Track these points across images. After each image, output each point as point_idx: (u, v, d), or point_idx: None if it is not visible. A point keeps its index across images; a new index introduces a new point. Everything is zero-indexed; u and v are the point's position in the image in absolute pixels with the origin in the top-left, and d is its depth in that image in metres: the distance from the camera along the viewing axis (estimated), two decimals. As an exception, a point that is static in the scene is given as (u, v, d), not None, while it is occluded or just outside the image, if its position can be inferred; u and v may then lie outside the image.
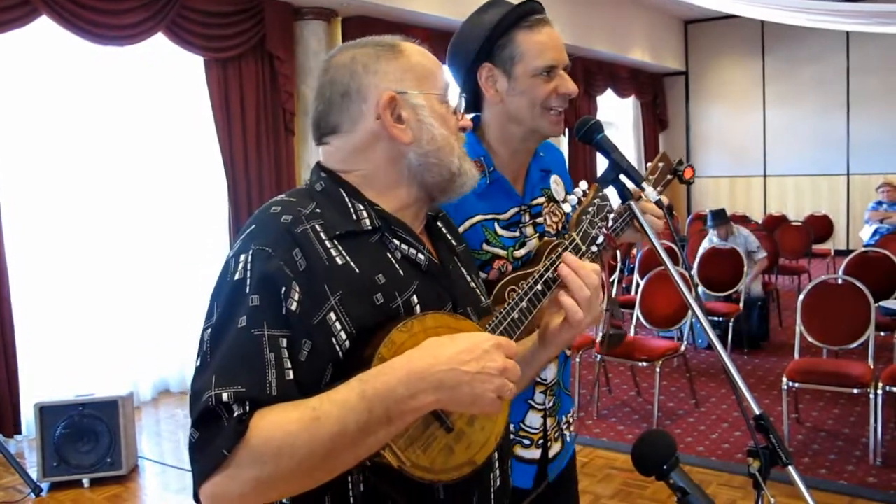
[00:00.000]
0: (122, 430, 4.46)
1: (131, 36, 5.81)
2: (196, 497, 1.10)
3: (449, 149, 1.31)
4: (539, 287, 1.35)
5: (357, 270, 1.21)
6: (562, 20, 9.76)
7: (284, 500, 1.23)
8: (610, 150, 1.49)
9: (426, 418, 1.16)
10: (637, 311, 5.67)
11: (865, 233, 9.72)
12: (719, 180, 13.52)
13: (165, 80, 6.35)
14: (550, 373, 1.95)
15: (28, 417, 5.09)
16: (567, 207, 1.40)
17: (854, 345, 4.75)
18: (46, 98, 5.61)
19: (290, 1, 6.99)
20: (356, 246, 1.24)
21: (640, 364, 5.34)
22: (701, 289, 6.94)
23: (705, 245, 7.40)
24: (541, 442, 1.94)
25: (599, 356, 5.33)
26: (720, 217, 7.27)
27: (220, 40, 6.42)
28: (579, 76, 11.12)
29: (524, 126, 1.82)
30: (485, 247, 1.82)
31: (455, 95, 1.39)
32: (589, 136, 1.53)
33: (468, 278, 1.44)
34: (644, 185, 1.46)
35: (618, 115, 12.80)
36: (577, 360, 5.35)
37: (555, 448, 1.98)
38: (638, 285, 6.04)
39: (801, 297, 4.94)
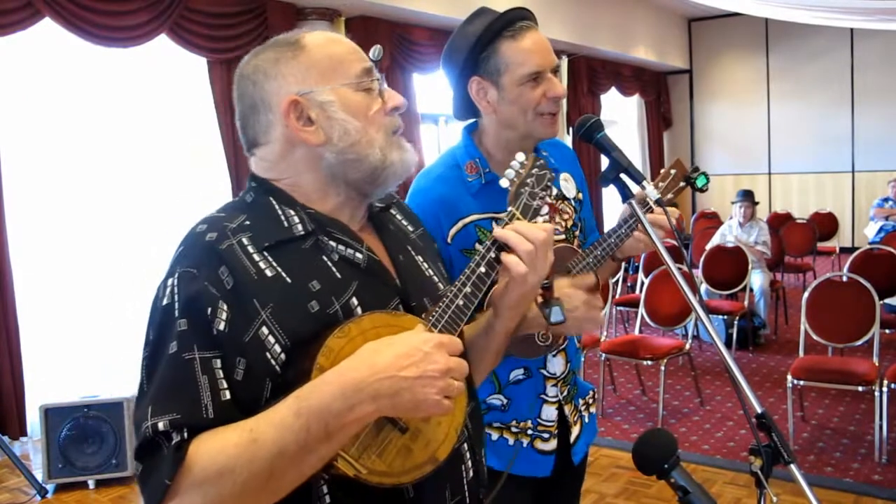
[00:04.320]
0: (127, 431, 4.46)
1: (134, 37, 5.81)
2: None
3: (367, 141, 1.25)
4: (482, 269, 1.25)
5: (289, 280, 1.17)
6: (565, 19, 9.76)
7: None
8: (610, 149, 1.49)
9: (378, 422, 1.12)
10: (642, 310, 5.66)
11: (870, 230, 9.71)
12: (724, 178, 13.49)
13: (169, 82, 6.36)
14: (559, 367, 1.96)
15: (33, 419, 5.10)
16: (504, 183, 1.35)
17: (859, 342, 4.74)
18: (50, 100, 5.62)
19: (294, 1, 6.99)
20: (288, 254, 1.20)
21: (644, 363, 5.33)
22: (705, 287, 6.94)
23: (724, 230, 7.58)
24: (558, 432, 1.95)
25: (604, 355, 5.33)
26: (750, 196, 7.51)
27: (223, 41, 6.42)
28: (583, 75, 11.11)
29: (519, 131, 1.86)
30: (477, 246, 1.83)
31: (380, 76, 1.31)
32: (589, 135, 1.53)
33: (423, 266, 1.38)
34: (644, 183, 1.45)
35: (622, 113, 12.79)
36: (582, 358, 5.34)
37: (574, 431, 2.00)
38: (642, 284, 6.03)
39: (806, 294, 4.92)
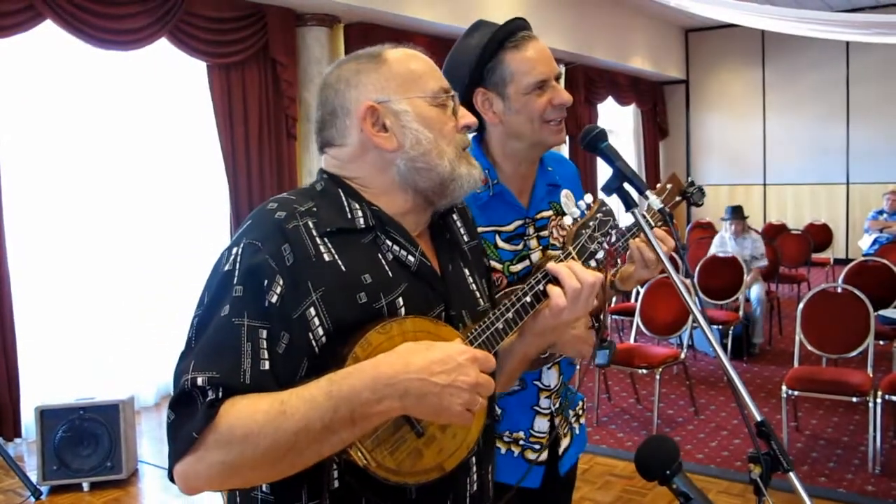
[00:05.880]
0: (122, 433, 4.46)
1: (135, 41, 5.83)
2: (171, 476, 1.14)
3: (437, 152, 1.31)
4: (528, 299, 1.33)
5: (343, 268, 1.23)
6: (563, 28, 9.79)
7: (264, 488, 1.25)
8: (614, 159, 1.50)
9: (397, 421, 1.17)
10: (637, 319, 5.68)
11: (865, 242, 9.74)
12: (719, 188, 13.54)
13: (168, 85, 6.37)
14: (553, 379, 1.97)
15: (28, 420, 5.09)
16: (568, 220, 1.39)
17: (853, 353, 4.76)
18: (50, 102, 5.62)
19: (293, 7, 7.01)
20: (347, 244, 1.26)
21: (639, 371, 5.34)
22: (700, 296, 6.95)
23: (716, 242, 7.55)
24: (548, 444, 1.97)
25: (599, 363, 5.33)
26: (738, 213, 7.47)
27: (223, 46, 6.44)
28: (580, 84, 11.15)
29: (526, 141, 1.86)
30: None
31: (455, 96, 1.38)
32: (593, 145, 1.54)
33: (469, 280, 1.43)
34: (647, 193, 1.47)
35: (618, 122, 12.83)
36: (574, 370, 5.35)
37: (564, 443, 2.01)
38: (638, 293, 6.05)
39: (801, 305, 4.95)
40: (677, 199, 1.88)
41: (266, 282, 1.17)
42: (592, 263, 1.41)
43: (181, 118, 6.47)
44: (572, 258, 1.38)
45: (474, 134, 1.97)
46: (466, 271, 1.44)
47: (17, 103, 5.46)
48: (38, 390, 5.26)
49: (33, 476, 4.43)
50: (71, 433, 4.41)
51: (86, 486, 4.44)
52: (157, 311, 6.17)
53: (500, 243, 1.87)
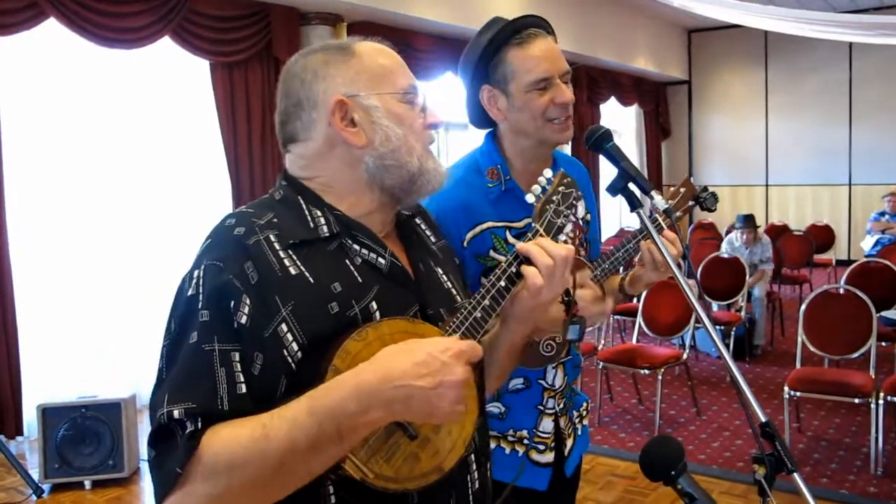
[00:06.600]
0: (124, 432, 4.47)
1: (138, 39, 5.83)
2: None
3: (406, 149, 1.27)
4: (502, 283, 1.27)
5: (311, 280, 1.18)
6: (566, 28, 9.79)
7: None
8: (619, 159, 1.50)
9: (389, 427, 1.13)
10: (639, 319, 5.68)
11: (867, 243, 9.74)
12: (721, 189, 13.51)
13: (171, 84, 6.37)
14: (559, 380, 1.97)
15: (30, 418, 5.10)
16: (530, 198, 1.36)
17: (855, 354, 4.76)
18: (53, 101, 5.63)
19: (297, 6, 7.01)
20: (312, 254, 1.21)
21: (641, 372, 5.34)
22: (704, 298, 6.94)
23: (724, 247, 7.46)
24: (554, 444, 1.97)
25: (602, 363, 5.34)
26: (750, 222, 7.34)
27: (226, 44, 6.44)
28: (583, 84, 11.14)
29: (532, 138, 1.87)
30: (492, 253, 1.86)
31: (423, 93, 1.35)
32: (599, 145, 1.54)
33: (443, 278, 1.40)
34: (653, 193, 1.47)
35: (621, 123, 12.81)
36: (579, 373, 5.35)
37: (568, 444, 2.01)
38: (640, 294, 6.04)
39: (803, 306, 4.94)
40: (690, 203, 1.88)
41: (233, 303, 1.13)
42: (562, 237, 1.36)
43: (184, 117, 6.47)
44: (540, 235, 1.34)
45: (489, 130, 1.98)
46: (439, 270, 1.40)
47: (20, 101, 5.46)
48: (39, 388, 5.27)
49: (35, 474, 4.43)
50: (73, 431, 4.41)
51: (87, 484, 4.44)
52: (159, 311, 6.16)
53: (510, 239, 1.87)
